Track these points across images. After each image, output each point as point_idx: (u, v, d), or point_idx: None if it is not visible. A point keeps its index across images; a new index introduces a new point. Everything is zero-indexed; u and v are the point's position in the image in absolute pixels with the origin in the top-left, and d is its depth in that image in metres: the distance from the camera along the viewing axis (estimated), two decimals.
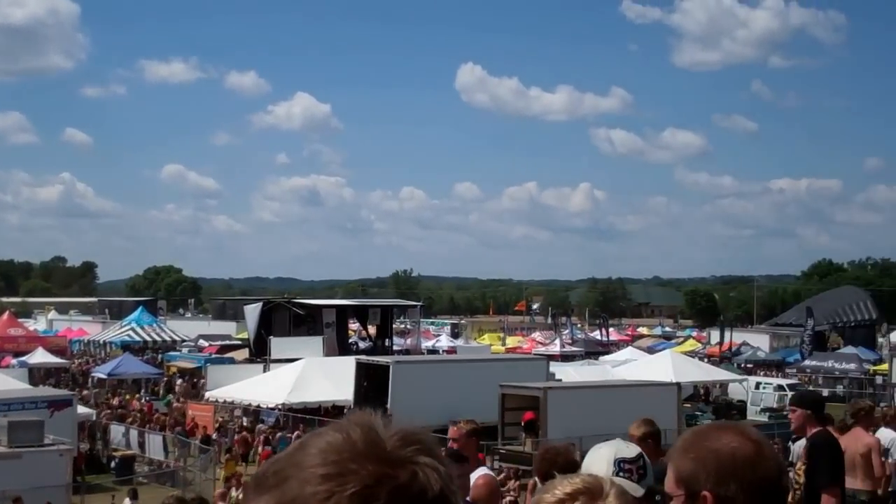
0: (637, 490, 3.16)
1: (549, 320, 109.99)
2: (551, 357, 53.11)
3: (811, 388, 52.24)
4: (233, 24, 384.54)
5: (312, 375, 38.74)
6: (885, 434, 13.76)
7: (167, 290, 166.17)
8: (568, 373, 41.46)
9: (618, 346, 74.22)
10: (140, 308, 71.61)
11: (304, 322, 59.51)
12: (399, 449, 1.38)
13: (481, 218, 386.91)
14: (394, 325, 69.25)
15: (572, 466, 5.21)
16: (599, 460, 3.18)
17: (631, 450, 3.29)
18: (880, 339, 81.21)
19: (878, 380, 52.61)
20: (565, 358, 60.99)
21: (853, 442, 11.74)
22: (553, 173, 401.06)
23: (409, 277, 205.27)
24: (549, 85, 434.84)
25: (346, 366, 38.38)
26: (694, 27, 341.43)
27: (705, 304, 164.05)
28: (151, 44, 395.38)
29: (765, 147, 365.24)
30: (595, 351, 70.18)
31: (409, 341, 69.80)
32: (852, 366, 57.35)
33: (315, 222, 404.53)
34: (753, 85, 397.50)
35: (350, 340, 65.04)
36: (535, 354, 58.15)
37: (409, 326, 76.08)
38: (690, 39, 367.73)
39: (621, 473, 3.15)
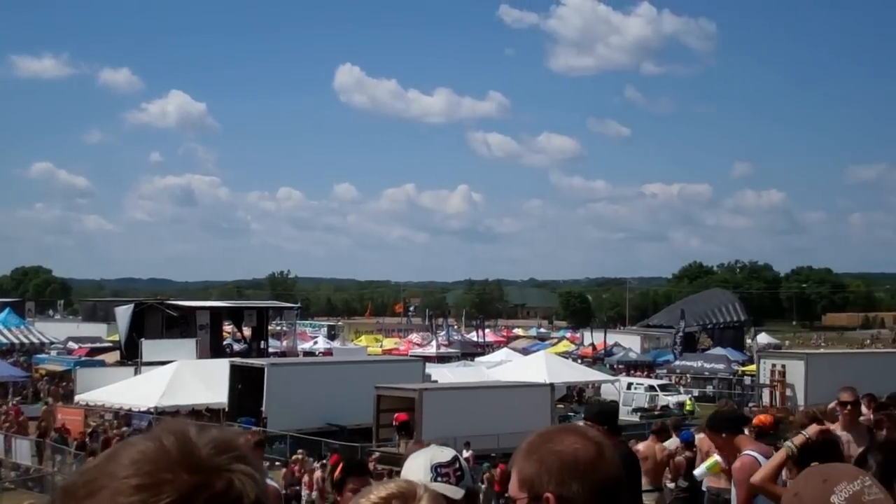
0: (457, 492, 3.12)
1: (427, 322, 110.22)
2: (427, 358, 53.18)
3: (681, 388, 53.49)
4: (106, 19, 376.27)
5: (185, 378, 38.09)
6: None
7: (35, 290, 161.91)
8: (444, 374, 41.61)
9: (493, 347, 74.74)
10: (7, 309, 69.29)
11: (177, 324, 58.39)
12: (214, 457, 1.32)
13: (359, 219, 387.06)
14: (269, 327, 68.53)
15: None
16: (416, 468, 3.14)
17: (446, 454, 3.24)
18: (748, 341, 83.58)
19: (747, 380, 53.91)
20: (441, 359, 61.22)
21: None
22: (431, 175, 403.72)
23: (285, 279, 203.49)
24: (428, 87, 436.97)
25: (221, 368, 37.85)
26: (569, 33, 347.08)
27: (579, 306, 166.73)
28: (21, 38, 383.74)
29: (637, 152, 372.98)
30: (471, 352, 70.60)
31: (284, 343, 69.08)
32: (721, 366, 58.76)
33: (189, 222, 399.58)
34: (627, 90, 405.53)
35: (224, 342, 64.14)
36: (411, 356, 58.12)
37: (285, 328, 75.32)
38: (566, 45, 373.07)
39: (439, 479, 3.09)
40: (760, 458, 6.56)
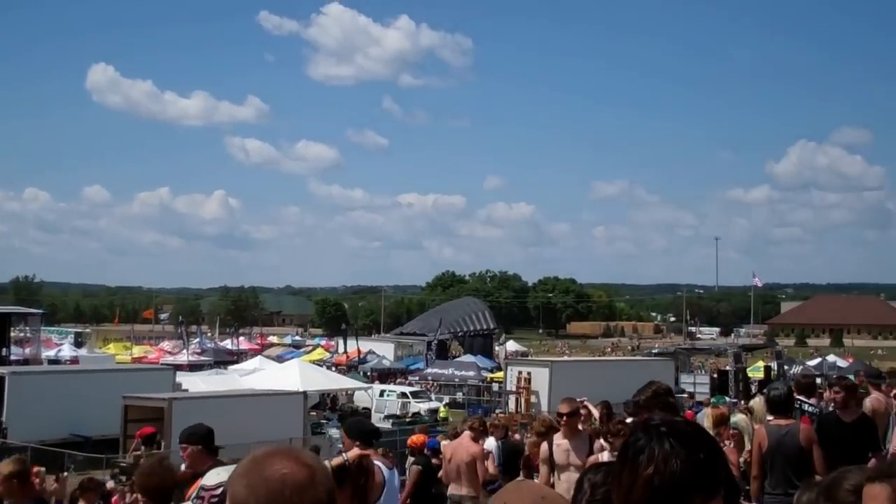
0: None
1: (179, 329, 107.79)
2: (179, 367, 52.14)
3: (432, 395, 54.52)
4: None
5: None
6: (490, 442, 14.67)
7: None
8: (195, 383, 40.83)
9: (247, 355, 73.89)
10: None
11: None
12: None
13: (110, 223, 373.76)
14: (11, 334, 65.33)
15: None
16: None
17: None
18: (497, 348, 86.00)
19: (495, 387, 55.23)
20: (193, 367, 60.04)
21: (459, 450, 12.43)
22: (187, 180, 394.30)
23: (30, 283, 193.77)
24: (185, 90, 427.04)
25: None
26: (329, 42, 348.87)
27: (335, 314, 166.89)
28: None
29: (395, 162, 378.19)
30: (224, 360, 69.50)
31: (28, 351, 65.98)
32: (471, 373, 60.09)
33: None
34: (385, 101, 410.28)
35: None
36: (162, 364, 56.76)
37: (28, 335, 71.96)
38: (326, 53, 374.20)
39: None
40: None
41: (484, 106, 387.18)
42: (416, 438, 16.13)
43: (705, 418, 14.18)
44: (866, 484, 2.64)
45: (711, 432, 9.90)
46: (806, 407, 11.29)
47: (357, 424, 7.31)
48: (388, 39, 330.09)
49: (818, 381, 23.58)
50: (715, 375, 56.12)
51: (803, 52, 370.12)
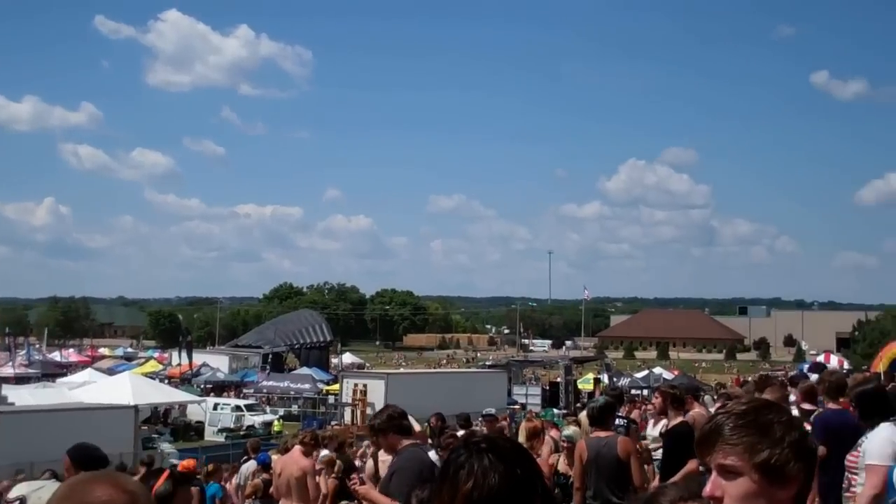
0: None
1: (5, 341, 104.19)
2: (5, 379, 50.75)
3: (267, 408, 54.37)
4: None
5: None
6: (325, 454, 14.98)
7: None
8: (22, 396, 39.83)
9: (77, 367, 72.15)
10: None
11: None
12: None
13: None
14: None
15: None
16: None
17: (14, 491, 3.05)
18: (334, 360, 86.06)
19: (331, 399, 55.31)
20: (20, 380, 58.44)
21: (290, 464, 12.58)
22: (15, 186, 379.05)
23: None
24: (15, 94, 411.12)
25: None
26: (168, 48, 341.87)
27: (169, 325, 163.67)
28: None
29: (233, 172, 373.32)
30: (53, 373, 67.86)
31: None
32: (307, 386, 60.05)
33: None
34: (223, 111, 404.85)
35: None
36: None
37: None
38: (164, 60, 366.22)
39: None
40: None
41: (323, 118, 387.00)
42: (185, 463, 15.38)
43: (520, 432, 14.64)
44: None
45: (525, 445, 10.40)
46: (618, 421, 11.39)
47: (83, 451, 6.82)
48: (228, 48, 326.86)
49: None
50: (546, 387, 57.62)
51: (638, 73, 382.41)
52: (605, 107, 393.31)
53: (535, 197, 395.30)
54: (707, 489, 2.54)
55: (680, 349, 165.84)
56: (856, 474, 6.60)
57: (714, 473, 2.55)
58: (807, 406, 9.91)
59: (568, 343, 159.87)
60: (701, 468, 3.75)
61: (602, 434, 9.29)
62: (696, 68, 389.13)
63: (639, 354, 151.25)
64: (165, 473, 6.88)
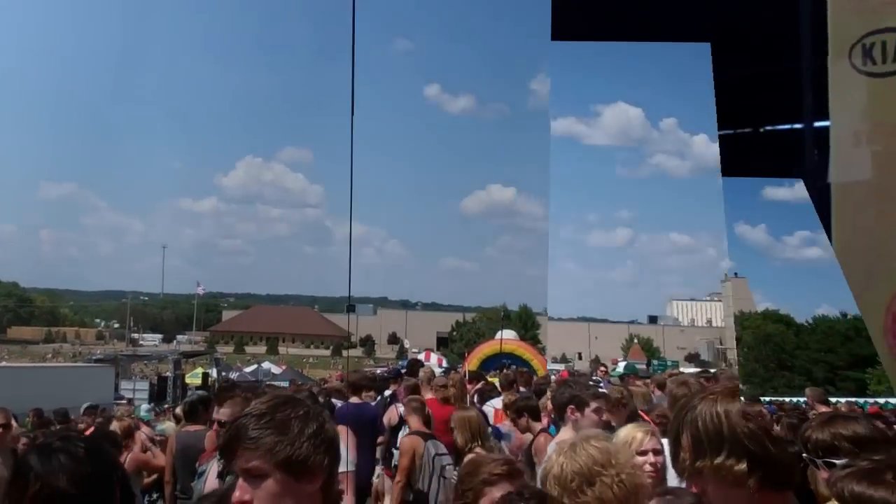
0: None
1: None
2: None
3: None
4: None
5: None
6: None
7: None
8: None
9: None
10: None
11: None
12: None
13: None
14: None
15: None
16: None
17: None
18: None
19: None
20: None
21: None
22: None
23: None
24: None
25: None
26: None
27: None
28: None
29: None
30: None
31: None
32: None
33: None
34: None
35: None
36: None
37: None
38: None
39: None
40: None
41: None
42: None
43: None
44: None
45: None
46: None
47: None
48: None
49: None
50: (154, 381, 58.44)
51: (265, 73, 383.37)
52: (225, 104, 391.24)
53: (150, 190, 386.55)
54: (236, 495, 2.56)
55: (289, 344, 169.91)
56: None
57: (241, 479, 2.58)
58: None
59: (179, 338, 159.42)
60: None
61: (192, 428, 9.34)
62: (315, 74, 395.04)
63: (249, 349, 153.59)
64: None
